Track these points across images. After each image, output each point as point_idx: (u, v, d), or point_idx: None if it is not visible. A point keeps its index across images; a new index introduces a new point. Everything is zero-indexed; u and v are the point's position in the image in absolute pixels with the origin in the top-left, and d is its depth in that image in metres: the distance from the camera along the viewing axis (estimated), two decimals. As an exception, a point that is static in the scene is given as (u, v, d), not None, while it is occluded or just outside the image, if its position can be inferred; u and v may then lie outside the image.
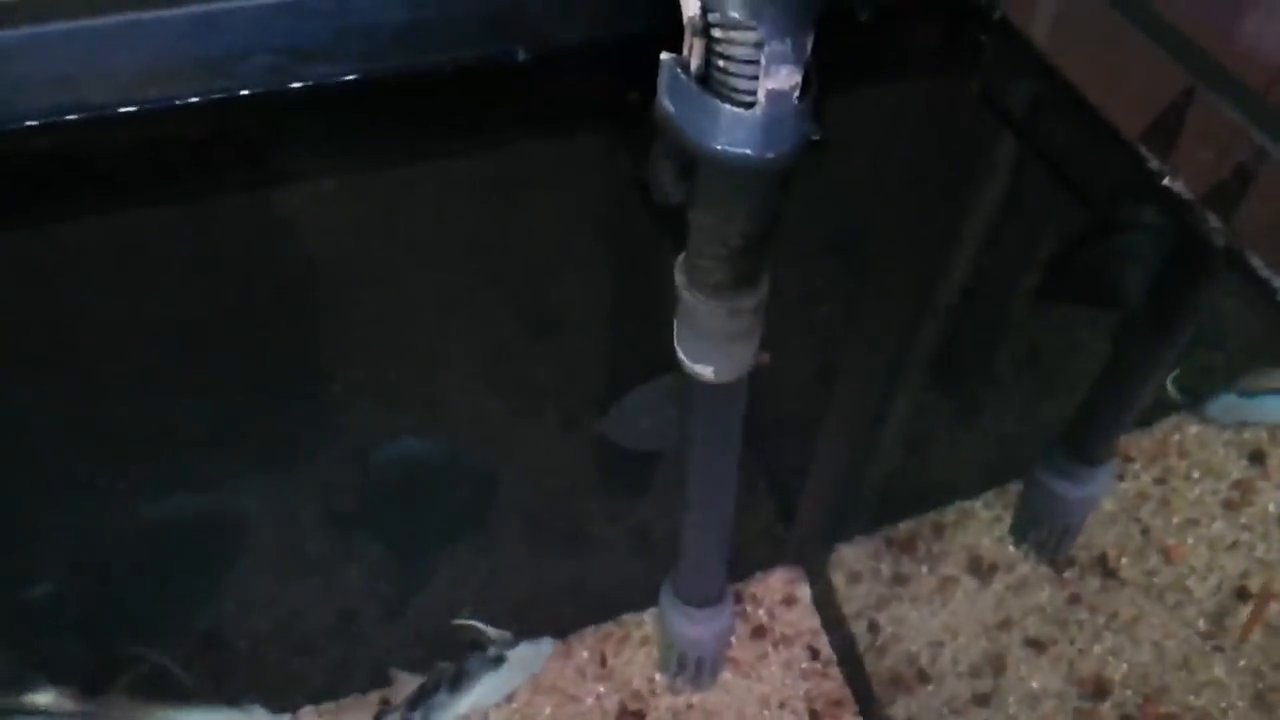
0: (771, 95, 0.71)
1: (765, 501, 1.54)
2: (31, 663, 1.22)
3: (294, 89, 0.80)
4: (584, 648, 1.49)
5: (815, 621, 1.53)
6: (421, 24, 0.79)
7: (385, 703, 1.38)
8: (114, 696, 1.25)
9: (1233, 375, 1.51)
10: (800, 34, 0.69)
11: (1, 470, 1.02)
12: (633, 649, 1.49)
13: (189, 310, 0.95)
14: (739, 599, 1.53)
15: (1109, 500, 1.53)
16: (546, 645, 1.43)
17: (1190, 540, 1.52)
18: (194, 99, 0.78)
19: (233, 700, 1.34)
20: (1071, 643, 1.46)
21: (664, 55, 0.74)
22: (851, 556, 1.57)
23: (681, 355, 0.94)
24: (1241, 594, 1.47)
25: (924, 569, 1.53)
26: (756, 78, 0.70)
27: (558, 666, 1.47)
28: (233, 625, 1.32)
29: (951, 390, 1.43)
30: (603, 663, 1.48)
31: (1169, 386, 1.34)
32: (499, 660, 1.38)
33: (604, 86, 0.89)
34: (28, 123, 0.74)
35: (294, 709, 1.39)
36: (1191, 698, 1.40)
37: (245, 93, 0.78)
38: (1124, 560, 1.51)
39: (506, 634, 1.38)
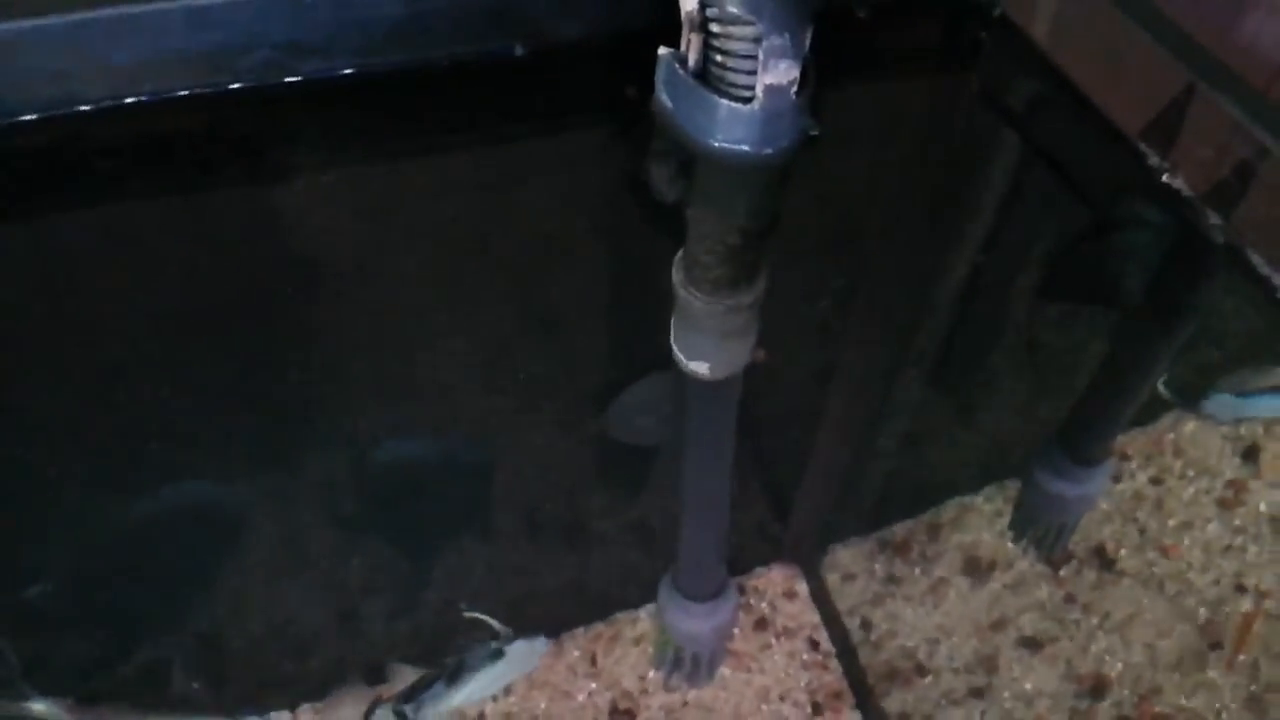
0: (770, 90, 0.70)
1: (762, 498, 1.55)
2: (27, 672, 1.22)
3: (291, 83, 0.79)
4: (575, 647, 1.49)
5: (817, 615, 1.53)
6: (419, 18, 0.79)
7: (381, 696, 1.38)
8: (110, 706, 1.26)
9: (1229, 373, 1.51)
10: (798, 29, 0.68)
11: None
12: (624, 648, 1.49)
13: (186, 305, 0.94)
14: (741, 591, 1.54)
15: (1105, 499, 1.53)
16: (541, 644, 1.43)
17: (1186, 541, 1.52)
18: (190, 93, 0.77)
19: (231, 710, 1.35)
20: (1071, 640, 1.46)
21: (662, 50, 0.74)
22: (847, 556, 1.57)
23: (678, 352, 0.94)
24: (1239, 589, 1.47)
25: (917, 570, 1.53)
26: (754, 73, 0.70)
27: (549, 664, 1.47)
28: (229, 625, 1.32)
29: (950, 389, 1.42)
30: (593, 662, 1.48)
31: (1160, 387, 1.34)
32: (496, 655, 1.38)
33: (602, 82, 0.89)
34: (23, 117, 0.74)
35: (291, 707, 1.39)
36: (1183, 699, 1.40)
37: (241, 87, 0.78)
38: (1122, 553, 1.51)
39: (509, 630, 1.38)
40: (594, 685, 1.46)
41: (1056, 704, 1.42)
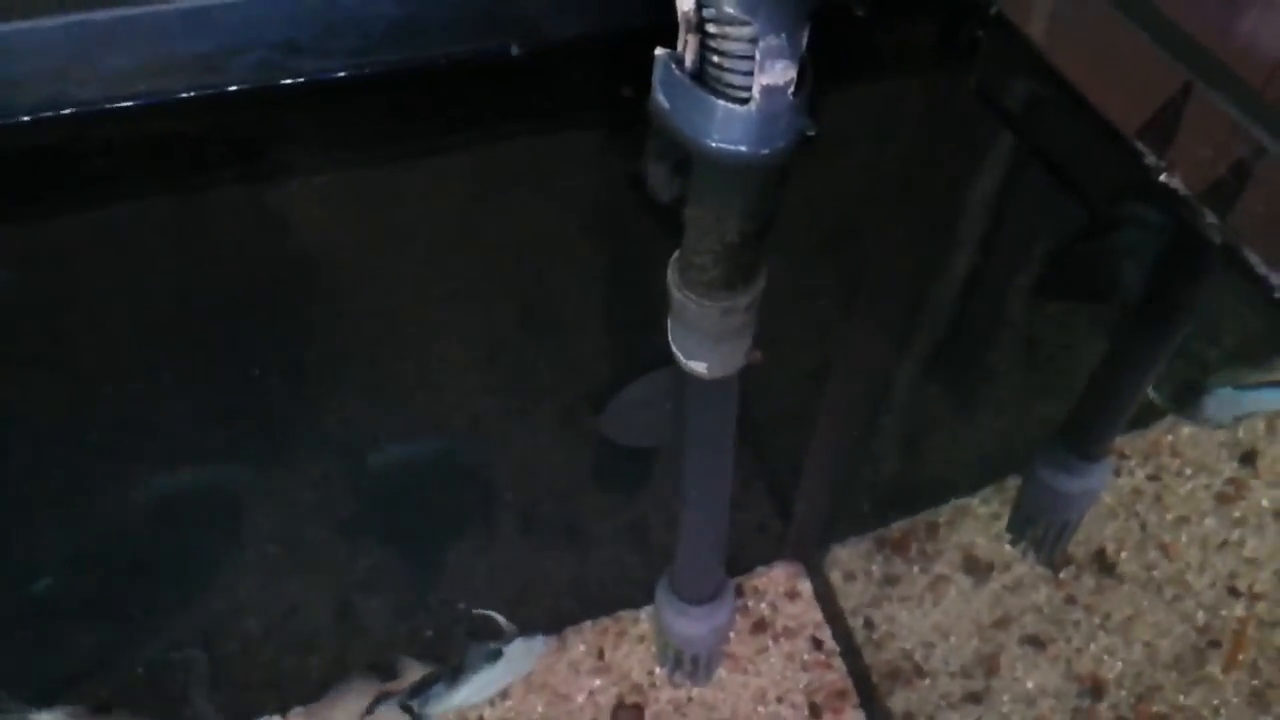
0: (766, 91, 0.70)
1: (763, 497, 1.55)
2: (34, 680, 1.22)
3: (286, 84, 0.79)
4: (580, 642, 1.50)
5: (819, 614, 1.53)
6: (414, 18, 0.79)
7: (387, 690, 1.39)
8: (118, 715, 1.26)
9: (1225, 370, 1.51)
10: (795, 29, 0.68)
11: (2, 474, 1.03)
12: (630, 644, 1.50)
13: (182, 306, 0.94)
14: (740, 592, 1.54)
15: (1106, 497, 1.53)
16: (539, 643, 1.44)
17: (1184, 539, 1.52)
18: (185, 94, 0.77)
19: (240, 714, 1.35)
20: (1069, 641, 1.46)
21: (658, 50, 0.74)
22: (847, 555, 1.57)
23: (675, 352, 0.94)
24: (1233, 592, 1.47)
25: (916, 569, 1.53)
26: (751, 73, 0.70)
27: (552, 661, 1.47)
28: (229, 627, 1.32)
29: (948, 388, 1.42)
30: (600, 656, 1.48)
31: (1150, 393, 1.34)
32: (494, 656, 1.38)
33: (598, 82, 0.89)
34: (17, 119, 0.74)
35: (292, 706, 1.40)
36: (1182, 697, 1.40)
37: (237, 88, 0.78)
38: (1123, 555, 1.51)
39: (514, 627, 1.39)
40: (599, 682, 1.46)
41: (1059, 705, 1.42)
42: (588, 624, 1.51)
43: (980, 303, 1.26)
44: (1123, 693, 1.41)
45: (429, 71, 0.82)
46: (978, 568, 1.52)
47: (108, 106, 0.76)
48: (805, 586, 1.56)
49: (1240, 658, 1.39)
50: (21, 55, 0.72)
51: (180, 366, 1.00)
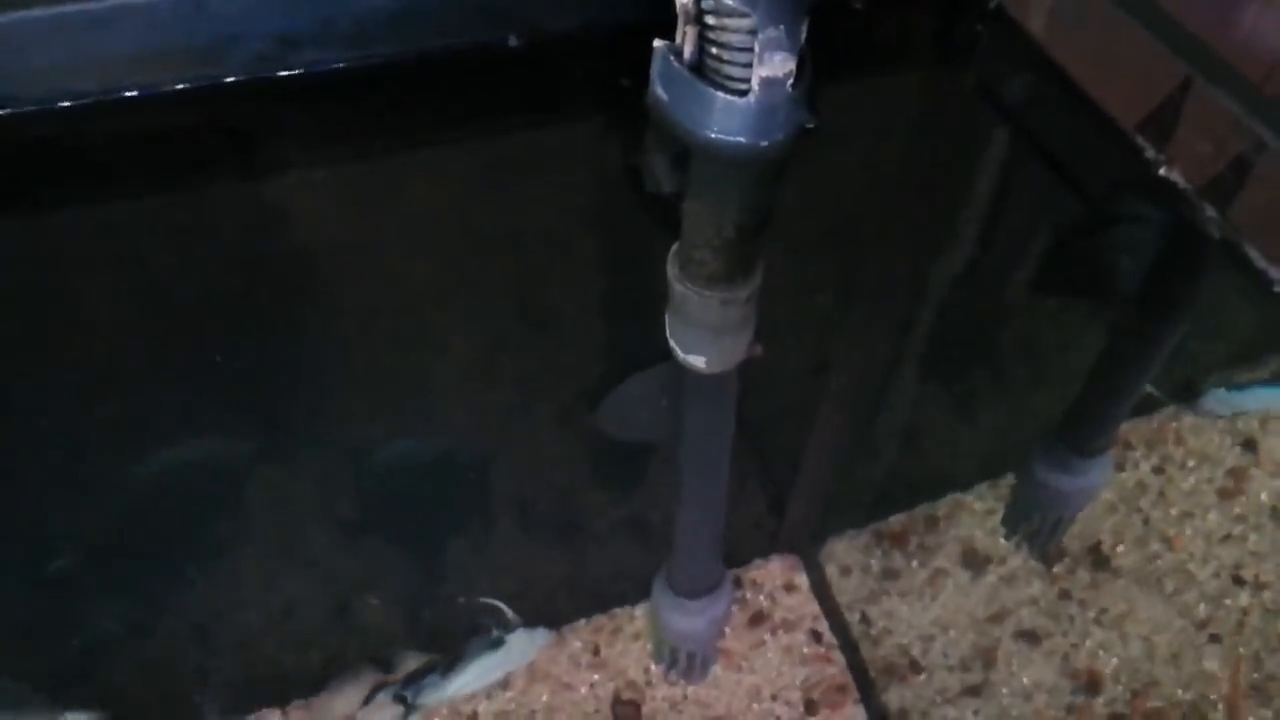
0: (765, 83, 0.70)
1: (760, 491, 1.55)
2: (64, 686, 1.23)
3: (283, 76, 0.79)
4: (577, 638, 1.50)
5: (817, 607, 1.54)
6: (411, 10, 0.78)
7: (385, 681, 1.39)
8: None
9: (1222, 369, 1.52)
10: (794, 21, 0.68)
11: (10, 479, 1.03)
12: (625, 641, 1.50)
13: (178, 300, 0.94)
14: (739, 584, 1.54)
15: (1109, 489, 1.53)
16: (541, 635, 1.44)
17: (1188, 531, 1.52)
18: (181, 86, 0.77)
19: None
20: (1064, 636, 1.46)
21: (657, 42, 0.74)
22: (844, 548, 1.57)
23: (674, 346, 0.94)
24: (1237, 581, 1.47)
25: (915, 562, 1.53)
26: (750, 65, 0.70)
27: (551, 656, 1.47)
28: (229, 622, 1.32)
29: (946, 383, 1.42)
30: (596, 653, 1.49)
31: (1149, 389, 1.34)
32: (496, 644, 1.39)
33: (596, 74, 0.88)
34: (10, 110, 0.73)
35: (303, 696, 1.40)
36: (1180, 691, 1.40)
37: (233, 80, 0.78)
38: (1120, 549, 1.51)
39: (519, 618, 1.39)
40: (596, 677, 1.47)
41: (1053, 700, 1.42)
42: (582, 622, 1.51)
43: (978, 298, 1.26)
44: (1119, 688, 1.41)
45: (426, 63, 0.82)
46: (975, 561, 1.53)
47: (101, 99, 0.76)
48: (802, 579, 1.57)
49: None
50: (14, 47, 0.72)
51: (174, 361, 0.99)
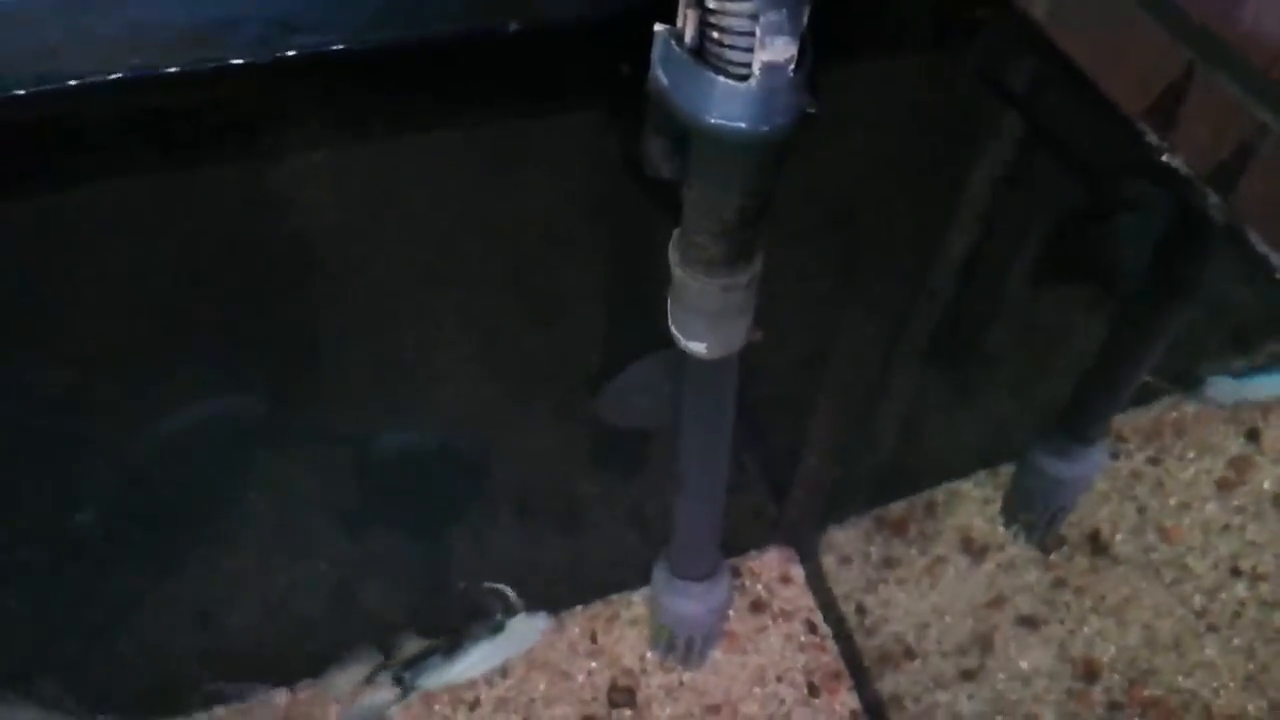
0: (767, 67, 0.70)
1: (758, 480, 1.55)
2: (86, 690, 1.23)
3: (282, 60, 0.78)
4: (575, 625, 1.50)
5: (812, 599, 1.54)
6: (412, -7, 0.78)
7: (385, 664, 1.40)
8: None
9: (1226, 356, 1.51)
10: (796, 5, 0.68)
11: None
12: (623, 627, 1.50)
13: (177, 285, 0.94)
14: (737, 574, 1.54)
15: (1103, 479, 1.53)
16: (542, 620, 1.44)
17: (1186, 521, 1.52)
18: (180, 69, 0.76)
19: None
20: (1062, 623, 1.47)
21: (658, 26, 0.73)
22: (843, 537, 1.57)
23: (675, 332, 0.94)
24: (1236, 573, 1.47)
25: (915, 550, 1.53)
26: (751, 49, 0.69)
27: (550, 642, 1.48)
28: (232, 608, 1.33)
29: (947, 370, 1.42)
30: (593, 639, 1.49)
31: (1150, 378, 1.33)
32: (497, 629, 1.40)
33: (597, 59, 0.88)
34: (9, 93, 0.73)
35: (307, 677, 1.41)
36: (1181, 679, 1.40)
37: (232, 63, 0.77)
38: (1118, 538, 1.52)
39: (523, 602, 1.40)
40: (594, 664, 1.47)
41: (1052, 686, 1.42)
42: (579, 608, 1.51)
43: (979, 284, 1.25)
44: (1116, 676, 1.41)
45: (426, 48, 0.81)
46: (974, 548, 1.53)
47: (100, 81, 0.75)
48: (798, 572, 1.57)
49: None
50: (11, 28, 0.71)
51: (172, 345, 0.99)
